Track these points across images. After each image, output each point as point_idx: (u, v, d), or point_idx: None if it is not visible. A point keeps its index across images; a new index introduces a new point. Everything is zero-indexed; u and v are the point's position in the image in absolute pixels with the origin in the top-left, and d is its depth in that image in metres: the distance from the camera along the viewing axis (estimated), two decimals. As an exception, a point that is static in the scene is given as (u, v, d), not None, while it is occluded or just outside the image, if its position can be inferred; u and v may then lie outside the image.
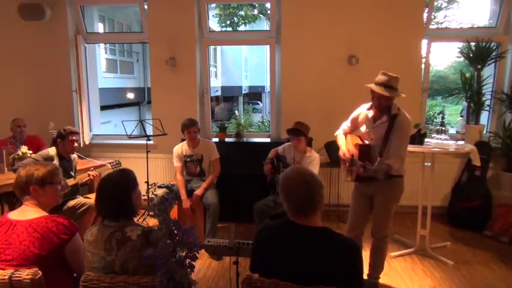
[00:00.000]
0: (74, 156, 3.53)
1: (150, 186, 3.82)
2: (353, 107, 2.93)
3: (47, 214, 1.81)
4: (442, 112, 3.97)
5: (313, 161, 3.51)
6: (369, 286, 2.81)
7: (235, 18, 12.88)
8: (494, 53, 4.32)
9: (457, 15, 12.63)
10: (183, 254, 1.51)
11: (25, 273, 1.53)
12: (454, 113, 10.61)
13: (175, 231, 1.50)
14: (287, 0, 4.49)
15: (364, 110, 2.82)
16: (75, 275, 1.81)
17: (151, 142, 4.54)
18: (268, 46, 4.82)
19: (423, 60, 4.61)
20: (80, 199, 3.41)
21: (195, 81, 4.73)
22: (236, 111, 12.19)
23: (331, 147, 3.98)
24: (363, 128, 2.81)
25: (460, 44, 4.45)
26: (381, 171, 2.38)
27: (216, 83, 18.23)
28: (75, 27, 4.89)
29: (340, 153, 2.79)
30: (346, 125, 2.95)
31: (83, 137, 4.69)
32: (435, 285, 2.97)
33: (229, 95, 20.51)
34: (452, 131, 4.56)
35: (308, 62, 4.55)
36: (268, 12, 6.67)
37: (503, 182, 4.28)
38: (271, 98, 4.92)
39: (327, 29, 4.49)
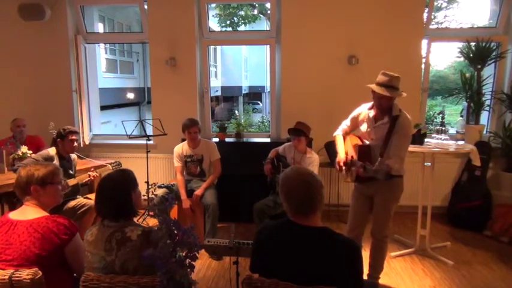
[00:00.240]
0: (74, 156, 3.53)
1: (150, 186, 3.82)
2: (353, 107, 2.93)
3: (47, 214, 1.82)
4: (442, 112, 3.97)
5: (313, 163, 3.50)
6: (369, 286, 2.81)
7: (235, 18, 12.88)
8: (494, 53, 4.32)
9: (457, 15, 12.65)
10: (183, 254, 1.51)
11: (25, 273, 1.53)
12: (454, 113, 10.61)
13: (175, 231, 1.50)
14: (287, 0, 4.49)
15: (365, 110, 2.81)
16: (75, 275, 1.82)
17: (151, 142, 4.54)
18: (268, 46, 4.83)
19: (423, 60, 4.61)
20: (80, 199, 3.41)
21: (195, 81, 4.73)
22: (236, 111, 12.19)
23: (331, 147, 3.97)
24: (364, 127, 2.80)
25: (460, 44, 4.45)
26: (381, 171, 2.37)
27: (216, 83, 18.23)
28: (75, 27, 4.89)
29: (336, 163, 2.75)
30: (346, 124, 2.94)
31: (83, 137, 4.69)
32: (435, 285, 2.97)
33: (229, 95, 20.50)
34: (452, 131, 4.56)
35: (308, 62, 4.55)
36: (268, 12, 6.67)
37: (503, 182, 4.28)
38: (271, 98, 4.92)
39: (327, 29, 4.49)
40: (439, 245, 3.64)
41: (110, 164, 3.79)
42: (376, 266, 2.85)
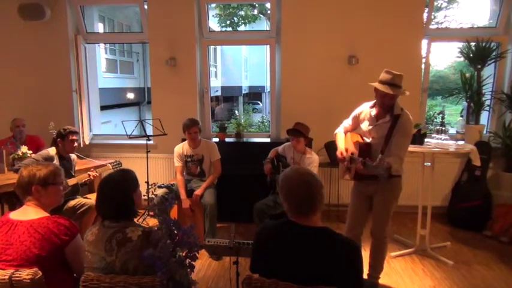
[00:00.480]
0: (73, 156, 3.54)
1: (150, 186, 3.82)
2: (353, 107, 2.93)
3: (48, 215, 1.82)
4: (442, 112, 3.97)
5: (313, 163, 3.50)
6: (369, 286, 2.81)
7: (235, 18, 12.87)
8: (494, 53, 4.32)
9: (457, 15, 12.63)
10: (183, 254, 1.51)
11: (25, 273, 1.53)
12: (454, 113, 10.60)
13: (175, 231, 1.50)
14: (287, 0, 4.49)
15: (366, 108, 2.81)
16: (75, 275, 1.82)
17: (151, 142, 4.54)
18: (268, 46, 4.82)
19: (423, 60, 4.61)
20: (80, 199, 3.41)
21: (195, 81, 4.73)
22: (236, 111, 12.18)
23: (331, 147, 3.98)
24: (365, 125, 2.79)
25: (460, 44, 4.45)
26: (381, 167, 2.33)
27: (216, 83, 18.22)
28: (75, 27, 4.89)
29: (338, 153, 2.74)
30: (347, 122, 2.94)
31: (83, 137, 4.69)
32: (435, 285, 2.97)
33: (229, 95, 20.49)
34: (452, 131, 4.57)
35: (308, 62, 4.55)
36: (268, 12, 6.67)
37: (503, 182, 4.29)
38: (271, 98, 4.92)
39: (327, 29, 4.49)
40: (439, 245, 3.64)
41: (110, 163, 3.80)
42: (376, 266, 2.85)
